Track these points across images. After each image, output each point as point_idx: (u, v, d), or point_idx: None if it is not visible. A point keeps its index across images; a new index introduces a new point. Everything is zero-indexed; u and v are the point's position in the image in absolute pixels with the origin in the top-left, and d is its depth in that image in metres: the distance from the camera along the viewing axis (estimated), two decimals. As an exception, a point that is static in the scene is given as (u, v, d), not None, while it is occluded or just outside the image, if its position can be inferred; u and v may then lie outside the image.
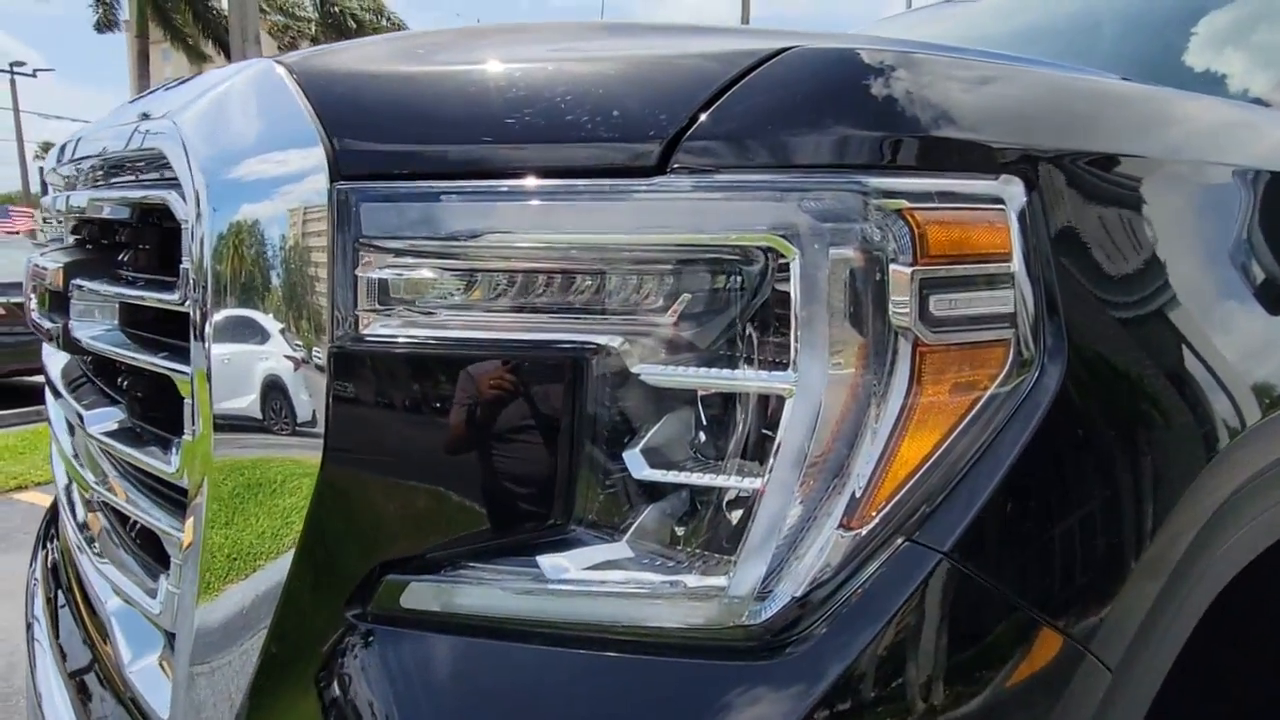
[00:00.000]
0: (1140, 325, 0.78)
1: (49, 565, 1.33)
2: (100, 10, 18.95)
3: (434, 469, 0.69)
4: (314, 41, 20.08)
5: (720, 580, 0.64)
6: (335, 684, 0.69)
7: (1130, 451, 0.75)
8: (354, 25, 21.10)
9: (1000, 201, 0.69)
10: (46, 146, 40.23)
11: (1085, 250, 0.75)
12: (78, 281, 1.04)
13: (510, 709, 0.66)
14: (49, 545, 1.40)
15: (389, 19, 23.28)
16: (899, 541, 0.65)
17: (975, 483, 0.66)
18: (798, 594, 0.63)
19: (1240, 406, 0.81)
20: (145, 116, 0.96)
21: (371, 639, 0.69)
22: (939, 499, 0.66)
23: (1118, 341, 0.76)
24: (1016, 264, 0.68)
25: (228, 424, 0.72)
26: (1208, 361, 0.81)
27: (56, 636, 1.14)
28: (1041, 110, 0.81)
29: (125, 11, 18.94)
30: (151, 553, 0.96)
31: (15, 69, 35.77)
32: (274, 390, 0.70)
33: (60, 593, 1.22)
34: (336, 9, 21.25)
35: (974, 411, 0.67)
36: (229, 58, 12.58)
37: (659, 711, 0.64)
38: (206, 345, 0.72)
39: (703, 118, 0.65)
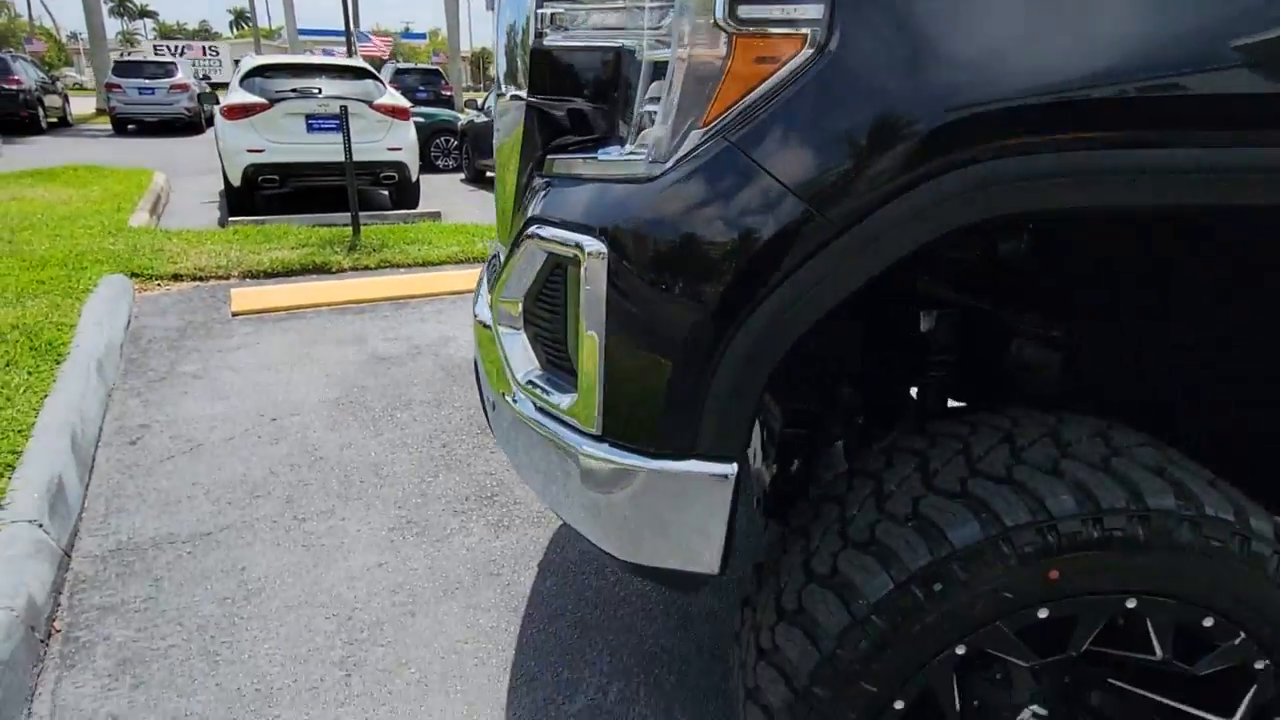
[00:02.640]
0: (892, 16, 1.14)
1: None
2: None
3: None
4: None
5: (641, 154, 1.26)
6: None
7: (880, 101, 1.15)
8: None
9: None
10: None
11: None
12: None
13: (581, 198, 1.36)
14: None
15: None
16: (721, 140, 1.18)
17: (771, 115, 1.16)
18: (674, 159, 1.23)
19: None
20: None
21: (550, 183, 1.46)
22: (746, 121, 1.17)
23: (881, 35, 1.13)
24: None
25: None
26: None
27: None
28: None
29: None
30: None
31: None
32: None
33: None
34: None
35: (770, 77, 1.16)
36: None
37: (616, 204, 1.28)
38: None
39: None
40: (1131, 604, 1.25)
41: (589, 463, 1.37)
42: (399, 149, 9.59)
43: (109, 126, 21.41)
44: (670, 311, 1.23)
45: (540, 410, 1.47)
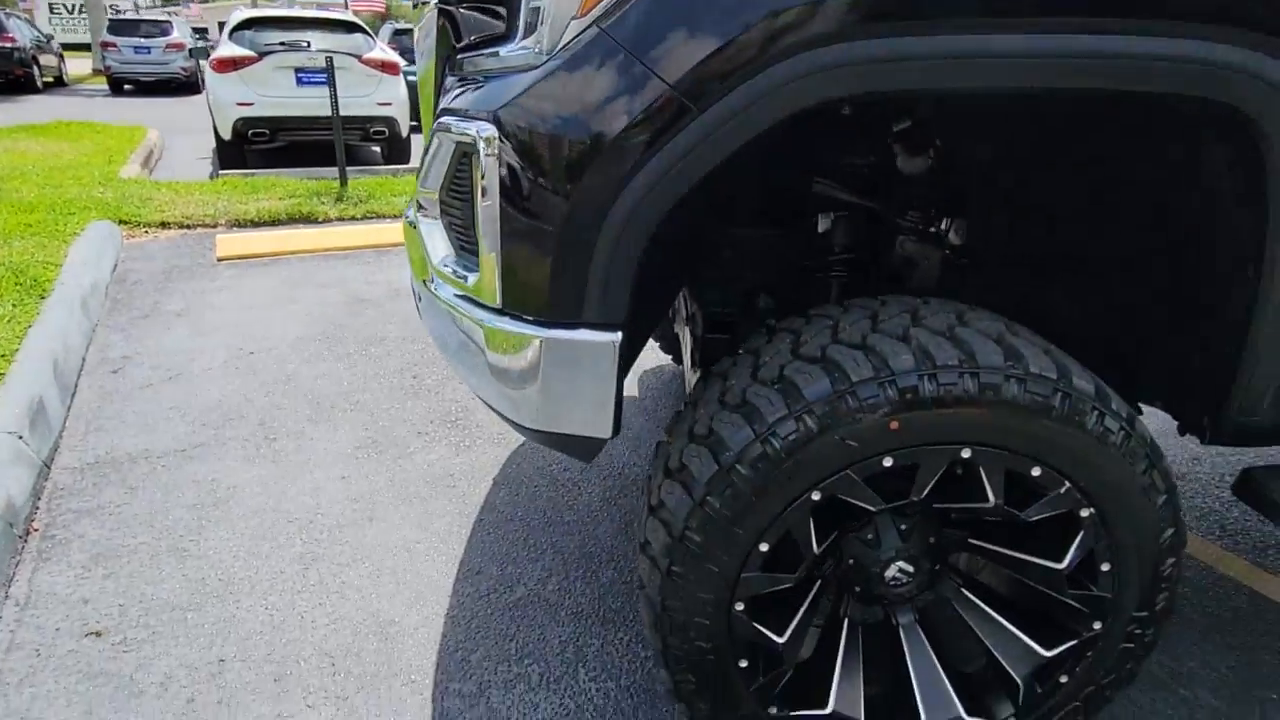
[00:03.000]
0: None
1: None
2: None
3: None
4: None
5: (531, 47, 1.42)
6: None
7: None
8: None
9: None
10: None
11: None
12: None
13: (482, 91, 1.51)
14: None
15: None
16: (595, 29, 1.31)
17: (637, 5, 1.29)
18: (557, 49, 1.36)
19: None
20: None
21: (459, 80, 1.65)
22: (616, 11, 1.30)
23: None
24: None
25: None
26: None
27: None
28: None
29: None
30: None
31: None
32: None
33: None
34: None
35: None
36: None
37: (506, 93, 1.41)
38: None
39: None
40: (967, 454, 1.39)
41: (493, 335, 1.51)
42: (389, 104, 9.64)
43: (105, 86, 21.36)
44: (553, 188, 1.36)
45: (454, 293, 1.61)
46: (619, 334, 1.44)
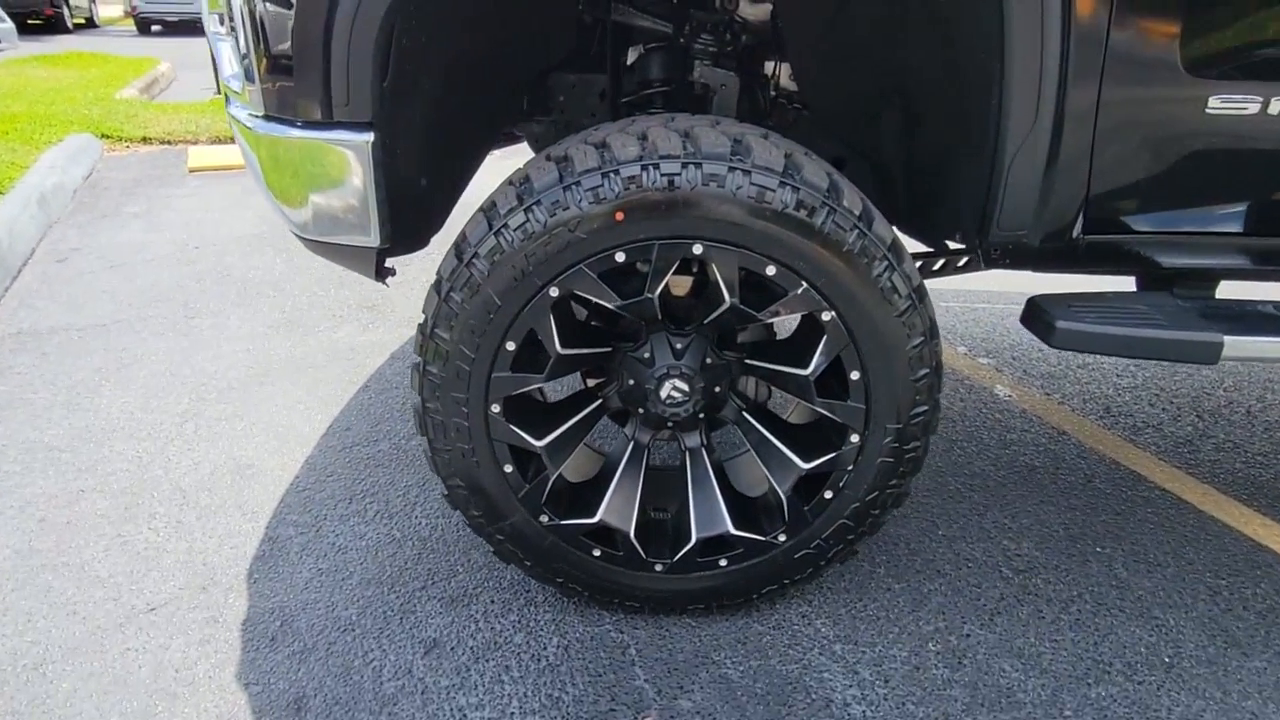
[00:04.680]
0: None
1: None
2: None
3: None
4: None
5: None
6: None
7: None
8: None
9: None
10: None
11: None
12: None
13: None
14: None
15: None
16: None
17: None
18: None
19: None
20: None
21: None
22: None
23: None
24: None
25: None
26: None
27: None
28: None
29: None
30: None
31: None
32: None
33: None
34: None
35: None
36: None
37: None
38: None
39: None
40: (698, 249, 1.40)
41: (260, 142, 1.54)
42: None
43: (134, 28, 21.59)
44: (288, -17, 1.37)
45: (237, 106, 1.64)
46: (371, 134, 1.46)
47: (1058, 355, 3.06)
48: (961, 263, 2.18)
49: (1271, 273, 1.61)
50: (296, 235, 1.65)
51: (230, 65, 1.67)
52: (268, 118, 1.53)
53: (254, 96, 1.54)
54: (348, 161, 1.48)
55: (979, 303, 3.56)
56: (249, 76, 1.53)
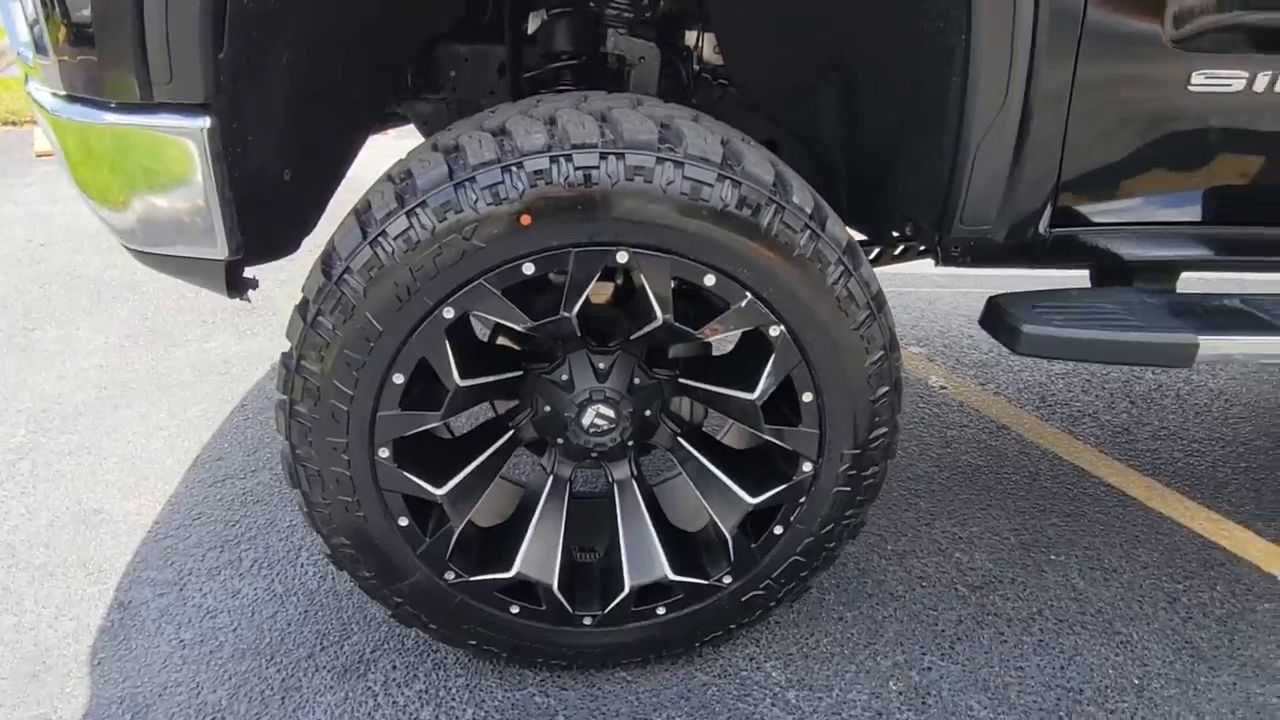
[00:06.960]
0: None
1: None
2: None
3: None
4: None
5: None
6: None
7: None
8: None
9: None
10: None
11: None
12: None
13: None
14: None
15: None
16: None
17: None
18: None
19: None
20: None
21: None
22: None
23: None
24: None
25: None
26: None
27: None
28: None
29: None
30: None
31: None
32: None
33: None
34: None
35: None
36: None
37: None
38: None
39: None
40: (623, 257, 1.16)
41: (64, 125, 1.22)
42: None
43: None
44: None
45: (35, 84, 1.30)
46: (206, 118, 1.16)
47: (989, 341, 2.96)
48: (898, 252, 2.02)
49: (1242, 262, 1.49)
50: (125, 247, 1.33)
51: (22, 33, 1.33)
52: (71, 98, 1.20)
53: (50, 72, 1.21)
54: (177, 153, 1.17)
55: (905, 286, 3.44)
56: (40, 48, 1.20)
